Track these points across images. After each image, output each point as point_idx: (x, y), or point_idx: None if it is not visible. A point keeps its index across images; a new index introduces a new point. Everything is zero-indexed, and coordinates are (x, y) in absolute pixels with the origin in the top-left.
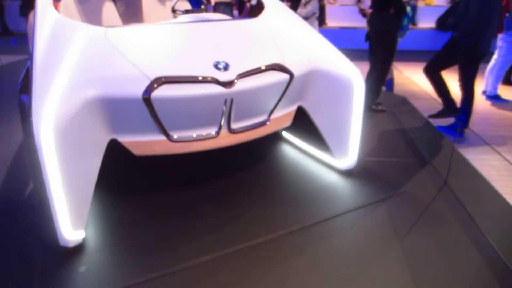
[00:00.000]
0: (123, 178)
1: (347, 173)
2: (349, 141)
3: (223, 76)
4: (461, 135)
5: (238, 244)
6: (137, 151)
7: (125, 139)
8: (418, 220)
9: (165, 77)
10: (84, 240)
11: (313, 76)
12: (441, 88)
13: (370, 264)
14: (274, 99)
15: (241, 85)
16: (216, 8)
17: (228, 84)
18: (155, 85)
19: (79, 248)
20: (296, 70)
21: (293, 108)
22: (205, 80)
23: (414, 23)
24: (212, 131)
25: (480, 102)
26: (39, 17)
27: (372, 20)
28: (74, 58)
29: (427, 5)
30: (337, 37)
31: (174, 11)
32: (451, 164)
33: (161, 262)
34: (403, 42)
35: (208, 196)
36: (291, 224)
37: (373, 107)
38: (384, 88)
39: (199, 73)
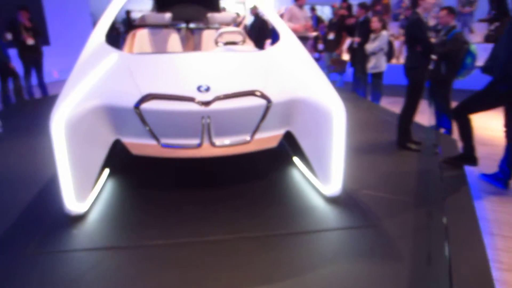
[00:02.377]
0: (136, 176)
1: (332, 199)
2: (332, 169)
3: (202, 97)
4: (504, 187)
5: (186, 238)
6: (134, 151)
7: (125, 140)
8: (367, 253)
9: (153, 94)
10: (86, 213)
11: (299, 105)
12: (467, 132)
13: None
14: (253, 121)
15: (217, 105)
16: None
17: (205, 103)
18: (145, 99)
19: (80, 217)
20: (276, 98)
21: (279, 132)
22: (184, 98)
23: None
24: (195, 142)
25: None
26: (88, 42)
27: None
28: (96, 75)
29: None
30: None
31: (216, 43)
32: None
33: (128, 238)
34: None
35: (194, 198)
36: (243, 231)
37: (408, 145)
38: (442, 130)
39: (182, 93)
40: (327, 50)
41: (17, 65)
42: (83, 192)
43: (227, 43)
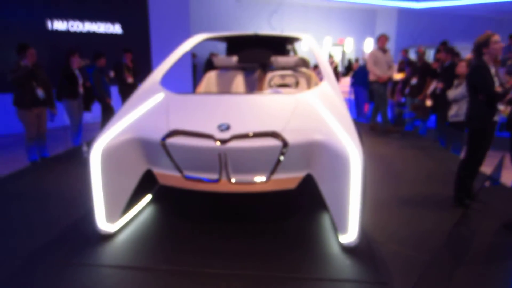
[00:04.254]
0: (174, 205)
1: (348, 249)
2: (348, 217)
3: (220, 135)
4: None
5: (193, 267)
6: (161, 181)
7: (155, 170)
8: None
9: (178, 130)
10: (117, 233)
11: (318, 149)
12: None
13: None
14: (270, 161)
15: (234, 144)
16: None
17: (223, 141)
18: (170, 134)
19: (109, 236)
20: (293, 140)
21: (298, 174)
22: (203, 135)
23: None
24: (214, 177)
25: None
26: (145, 81)
27: None
28: (139, 110)
29: None
30: None
31: (270, 85)
32: None
33: (144, 260)
34: None
35: (218, 230)
36: (246, 268)
37: (466, 201)
38: None
39: (203, 130)
40: (410, 95)
41: (116, 99)
42: (114, 214)
43: (280, 85)
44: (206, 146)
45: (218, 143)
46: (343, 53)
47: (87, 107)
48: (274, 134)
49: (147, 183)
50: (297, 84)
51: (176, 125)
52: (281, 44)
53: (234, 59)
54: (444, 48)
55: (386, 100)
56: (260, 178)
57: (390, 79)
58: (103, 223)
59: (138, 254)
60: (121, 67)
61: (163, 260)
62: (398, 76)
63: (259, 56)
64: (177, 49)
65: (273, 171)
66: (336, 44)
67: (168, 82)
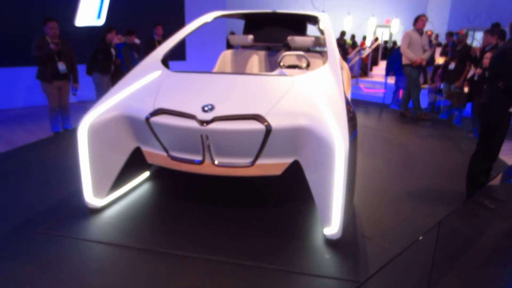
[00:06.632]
0: (171, 185)
1: (331, 242)
2: (332, 209)
3: (202, 116)
4: None
5: (179, 251)
6: (148, 159)
7: (143, 148)
8: None
9: (163, 109)
10: (102, 208)
11: (304, 134)
12: None
13: None
14: (254, 145)
15: (215, 125)
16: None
17: (204, 122)
18: (155, 113)
19: (95, 210)
20: (278, 124)
21: (285, 160)
22: (186, 115)
23: None
24: (198, 158)
25: None
26: (146, 59)
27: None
28: (132, 87)
29: None
30: None
31: (280, 66)
32: None
33: (129, 239)
34: None
35: (210, 215)
36: (231, 256)
37: (486, 202)
38: None
39: (186, 110)
40: (446, 81)
41: None
42: (102, 189)
43: (289, 66)
44: (188, 126)
45: (199, 124)
46: (390, 35)
47: (114, 85)
48: (257, 117)
49: (143, 161)
50: (308, 66)
51: (162, 104)
52: (302, 24)
53: (250, 38)
54: (491, 30)
55: (419, 86)
56: (244, 162)
57: (428, 63)
58: (90, 198)
59: (120, 231)
60: (152, 42)
61: (142, 239)
62: (440, 61)
63: (279, 36)
64: (186, 26)
65: (257, 155)
66: (382, 25)
67: (201, 61)
